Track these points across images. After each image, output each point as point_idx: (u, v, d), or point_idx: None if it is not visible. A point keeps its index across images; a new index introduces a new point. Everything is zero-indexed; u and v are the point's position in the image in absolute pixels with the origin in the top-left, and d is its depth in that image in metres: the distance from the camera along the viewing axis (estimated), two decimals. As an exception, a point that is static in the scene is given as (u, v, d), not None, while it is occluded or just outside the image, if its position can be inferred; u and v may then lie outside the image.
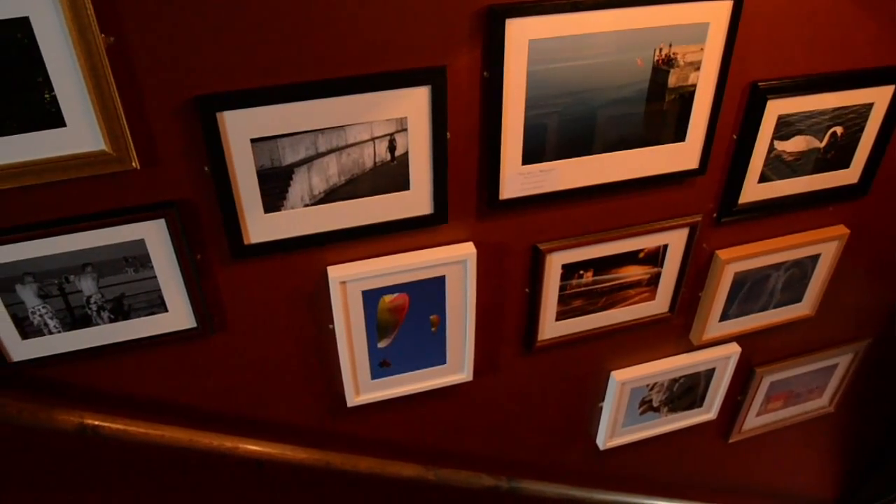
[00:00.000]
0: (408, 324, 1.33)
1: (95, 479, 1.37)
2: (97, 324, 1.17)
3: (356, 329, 1.30)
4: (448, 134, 1.14)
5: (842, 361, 1.94)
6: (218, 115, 1.01)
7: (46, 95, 0.94)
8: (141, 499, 1.45)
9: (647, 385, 1.68)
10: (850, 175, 1.52)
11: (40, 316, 1.14)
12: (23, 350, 1.16)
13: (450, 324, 1.36)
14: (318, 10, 0.98)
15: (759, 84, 1.29)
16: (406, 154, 1.14)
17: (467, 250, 1.26)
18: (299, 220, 1.15)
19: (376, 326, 1.31)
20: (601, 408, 1.71)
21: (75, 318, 1.15)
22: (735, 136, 1.36)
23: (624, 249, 1.41)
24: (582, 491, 1.82)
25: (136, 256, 1.12)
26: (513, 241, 1.32)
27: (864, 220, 1.62)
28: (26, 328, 1.14)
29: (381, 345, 1.34)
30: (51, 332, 1.16)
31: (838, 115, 1.41)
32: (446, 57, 1.07)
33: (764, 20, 1.22)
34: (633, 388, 1.67)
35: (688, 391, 1.76)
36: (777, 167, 1.43)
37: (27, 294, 1.11)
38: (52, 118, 0.96)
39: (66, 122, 0.96)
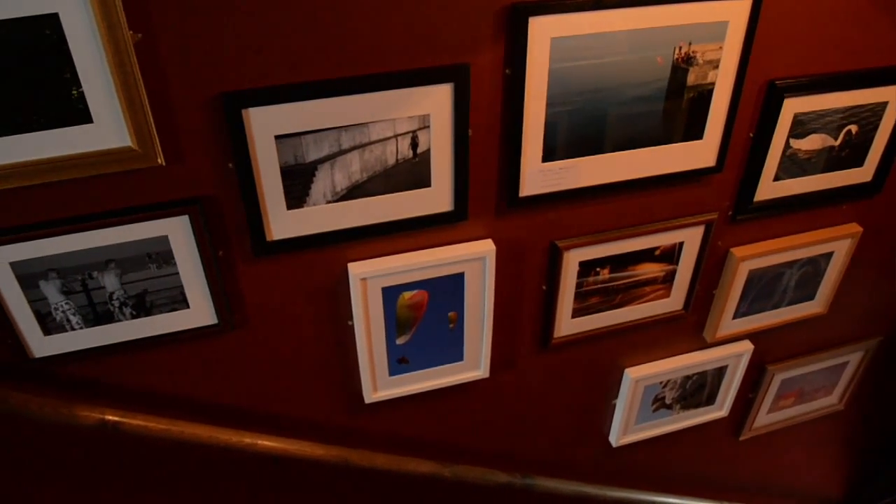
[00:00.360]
0: (426, 320, 1.33)
1: (115, 474, 1.37)
2: (119, 320, 1.18)
3: (375, 325, 1.30)
4: (470, 131, 1.14)
5: (852, 359, 1.95)
6: (243, 111, 1.01)
7: (74, 92, 0.95)
8: (160, 494, 1.45)
9: (661, 382, 1.69)
10: (863, 173, 1.53)
11: (63, 312, 1.15)
12: (45, 346, 1.17)
13: (468, 321, 1.36)
14: (344, 7, 0.98)
15: (777, 82, 1.30)
16: (428, 151, 1.14)
17: (487, 247, 1.27)
18: (321, 216, 1.15)
19: (395, 323, 1.31)
20: (614, 405, 1.72)
21: (97, 315, 1.16)
22: (751, 135, 1.37)
23: (640, 247, 1.42)
24: (594, 488, 1.83)
25: (159, 253, 1.13)
26: (531, 238, 1.33)
27: (876, 218, 1.63)
28: (48, 324, 1.15)
29: (399, 341, 1.34)
30: (73, 329, 1.16)
31: (853, 113, 1.42)
32: (469, 55, 1.08)
33: (781, 19, 1.23)
34: (647, 386, 1.67)
35: (700, 388, 1.77)
36: (792, 165, 1.44)
37: (50, 290, 1.11)
38: (79, 114, 0.96)
39: (93, 119, 0.97)
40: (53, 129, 0.96)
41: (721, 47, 1.21)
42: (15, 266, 1.07)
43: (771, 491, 2.33)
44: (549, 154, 1.21)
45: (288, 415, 1.41)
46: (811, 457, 2.32)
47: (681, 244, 1.46)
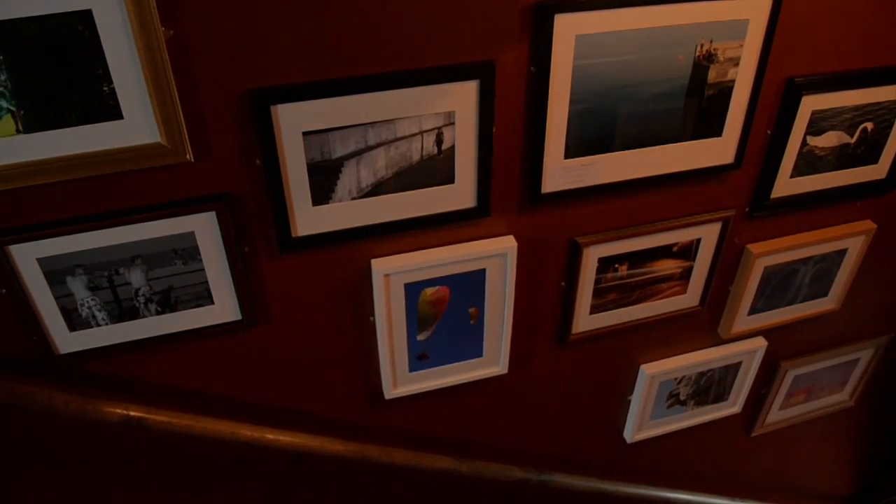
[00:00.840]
0: (447, 316, 1.34)
1: (138, 470, 1.37)
2: (144, 316, 1.18)
3: (397, 321, 1.31)
4: (494, 128, 1.15)
5: (863, 356, 1.96)
6: (272, 108, 1.02)
7: (105, 88, 0.95)
8: (182, 489, 1.46)
9: (676, 379, 1.70)
10: (877, 171, 1.54)
11: (89, 308, 1.15)
12: (70, 342, 1.17)
13: (488, 317, 1.37)
14: (372, 5, 0.99)
15: (795, 80, 1.31)
16: (452, 148, 1.15)
17: (509, 244, 1.28)
18: (346, 213, 1.16)
19: (416, 319, 1.32)
20: (629, 401, 1.73)
21: (123, 311, 1.16)
22: (770, 132, 1.37)
23: (659, 243, 1.43)
24: (608, 484, 1.83)
25: (186, 249, 1.13)
26: (551, 234, 1.33)
27: (890, 215, 1.64)
28: (74, 320, 1.15)
29: (420, 337, 1.35)
30: (98, 325, 1.17)
31: (869, 110, 1.43)
32: (495, 52, 1.08)
33: (801, 16, 1.24)
34: (662, 382, 1.68)
35: (714, 385, 1.78)
36: (808, 162, 1.45)
37: (77, 286, 1.12)
38: (110, 111, 0.97)
39: (124, 115, 0.97)
40: (83, 125, 0.97)
41: (741, 45, 1.22)
42: (42, 262, 1.08)
43: (780, 487, 2.34)
44: (571, 151, 1.22)
45: (308, 411, 1.42)
46: (821, 453, 2.33)
47: (698, 241, 1.47)
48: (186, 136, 1.00)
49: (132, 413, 1.22)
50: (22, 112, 0.93)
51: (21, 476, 1.30)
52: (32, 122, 0.94)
